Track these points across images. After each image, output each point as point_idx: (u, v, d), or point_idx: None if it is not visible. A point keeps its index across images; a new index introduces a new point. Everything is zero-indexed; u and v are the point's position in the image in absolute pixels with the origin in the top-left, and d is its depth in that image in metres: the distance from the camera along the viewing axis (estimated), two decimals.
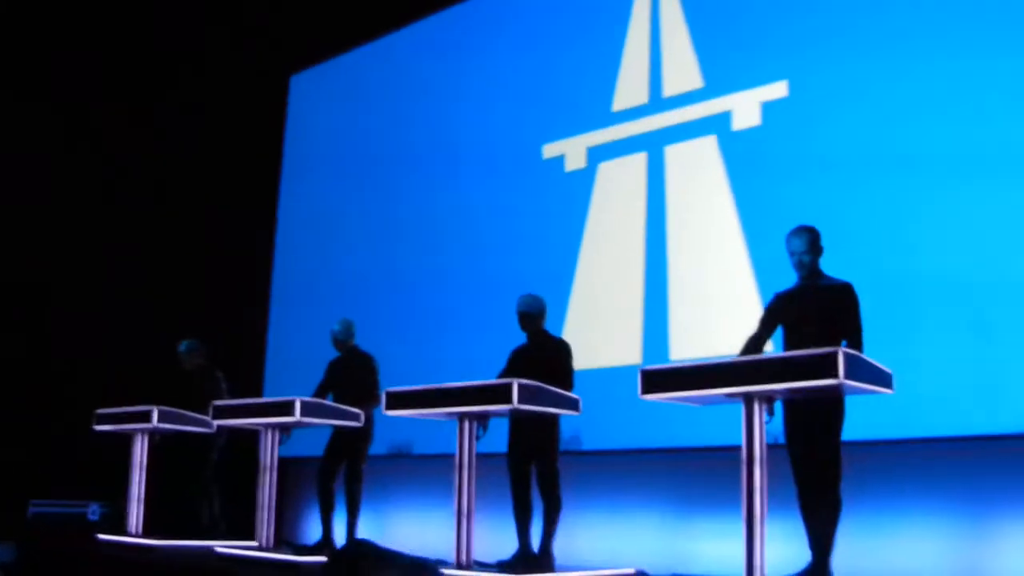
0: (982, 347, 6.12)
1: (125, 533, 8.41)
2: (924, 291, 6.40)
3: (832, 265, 5.70)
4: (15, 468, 9.82)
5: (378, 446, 8.05)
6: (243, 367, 10.62)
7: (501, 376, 6.88)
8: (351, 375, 8.01)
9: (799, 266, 5.67)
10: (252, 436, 7.82)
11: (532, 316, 6.99)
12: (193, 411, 8.28)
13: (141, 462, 8.60)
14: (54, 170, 11.08)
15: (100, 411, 8.68)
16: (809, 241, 5.64)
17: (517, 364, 6.92)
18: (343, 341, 8.18)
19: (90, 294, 11.05)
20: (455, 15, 10.09)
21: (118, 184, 11.53)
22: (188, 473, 8.71)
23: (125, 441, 8.74)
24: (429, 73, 10.19)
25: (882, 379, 4.73)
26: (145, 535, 8.29)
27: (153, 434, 8.60)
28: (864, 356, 4.69)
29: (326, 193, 11.02)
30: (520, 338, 7.09)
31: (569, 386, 6.57)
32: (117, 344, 10.80)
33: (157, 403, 8.23)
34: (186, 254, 11.48)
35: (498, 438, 6.78)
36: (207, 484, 8.70)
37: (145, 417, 8.20)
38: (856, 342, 5.40)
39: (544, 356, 6.85)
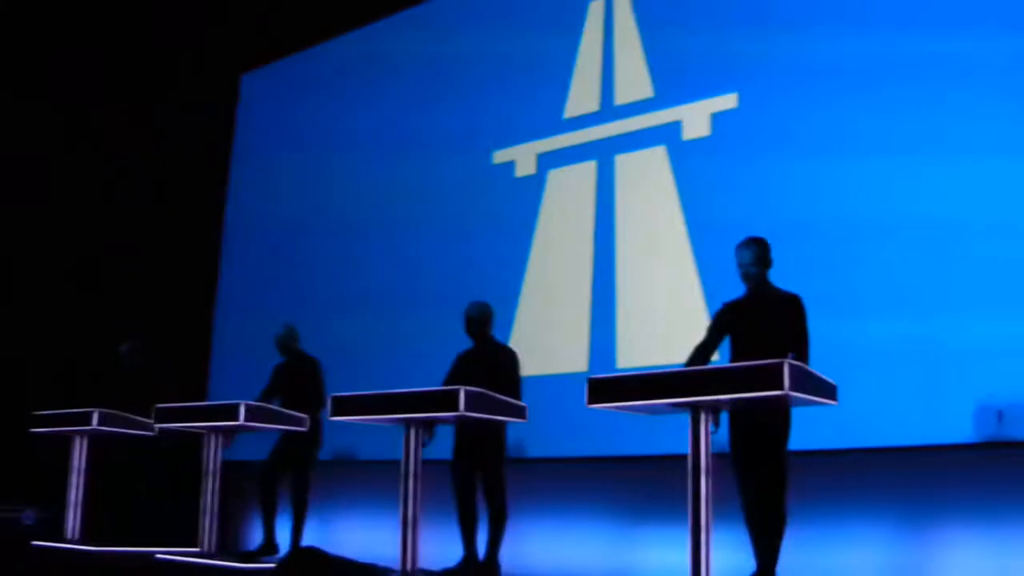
0: (922, 358, 6.19)
1: (63, 539, 8.28)
2: (867, 302, 6.47)
3: (779, 276, 5.73)
4: None
5: (324, 451, 8.00)
6: (187, 370, 10.52)
7: (446, 381, 6.87)
8: (296, 380, 7.96)
9: (746, 278, 5.69)
10: (198, 439, 7.74)
11: (479, 322, 6.98)
12: (136, 414, 8.16)
13: (80, 466, 8.48)
14: None
15: (37, 413, 8.55)
16: (757, 253, 5.66)
17: (463, 370, 6.90)
18: (286, 345, 8.13)
19: (29, 292, 10.91)
20: (408, 18, 10.06)
21: (69, 183, 11.39)
22: (130, 476, 8.61)
23: (65, 444, 8.61)
24: (380, 76, 10.15)
25: (827, 390, 4.76)
26: (84, 541, 8.17)
27: (93, 437, 8.48)
28: (809, 368, 4.72)
29: (274, 195, 10.93)
30: (465, 343, 7.07)
31: (517, 394, 6.56)
32: (58, 344, 10.66)
33: (99, 405, 8.12)
34: (130, 253, 11.35)
35: (445, 444, 6.76)
36: (150, 488, 8.60)
37: (84, 419, 8.08)
38: (803, 354, 5.43)
39: (491, 363, 6.84)
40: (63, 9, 11.13)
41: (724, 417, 5.46)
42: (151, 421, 7.67)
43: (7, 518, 9.65)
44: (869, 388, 6.17)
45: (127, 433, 8.20)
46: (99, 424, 8.02)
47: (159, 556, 7.23)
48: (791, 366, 4.41)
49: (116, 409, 8.19)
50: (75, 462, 8.50)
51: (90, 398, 8.39)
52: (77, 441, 8.52)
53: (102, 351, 9.53)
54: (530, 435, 7.45)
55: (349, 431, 7.50)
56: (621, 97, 8.14)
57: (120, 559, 7.44)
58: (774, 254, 5.73)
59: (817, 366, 4.92)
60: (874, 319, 6.40)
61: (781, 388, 4.38)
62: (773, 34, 7.34)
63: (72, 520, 8.38)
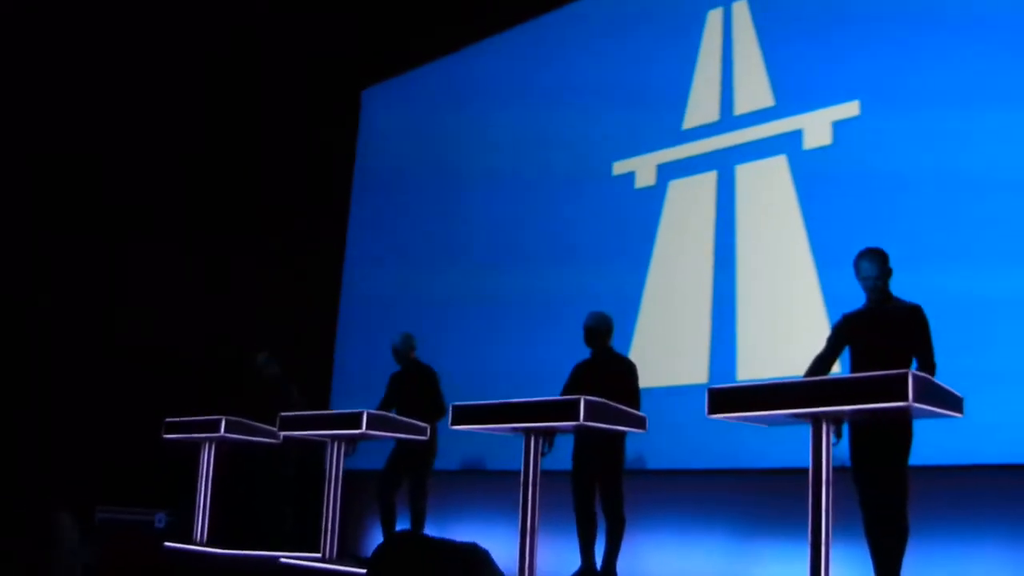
0: None
1: (191, 541, 8.49)
2: (994, 312, 6.32)
3: (902, 286, 5.64)
4: (84, 473, 9.99)
5: (442, 461, 8.08)
6: (311, 380, 10.70)
7: (564, 392, 6.89)
8: (412, 389, 8.07)
9: (872, 290, 5.59)
10: (323, 449, 7.87)
11: (599, 332, 6.99)
12: (267, 422, 8.31)
13: (207, 471, 8.69)
14: (129, 181, 11.28)
15: (169, 420, 8.79)
16: (880, 264, 5.58)
17: (581, 380, 6.91)
18: (404, 354, 8.24)
19: (164, 303, 11.21)
20: (525, 32, 10.12)
21: (192, 195, 11.70)
22: (260, 483, 8.80)
23: (196, 450, 8.83)
24: (499, 89, 10.23)
25: (952, 403, 4.66)
26: (211, 544, 8.37)
27: (221, 444, 8.67)
28: (934, 379, 4.63)
29: (395, 207, 11.09)
30: (585, 354, 7.09)
31: (636, 405, 6.54)
32: (189, 353, 10.94)
33: (232, 413, 8.31)
34: (256, 267, 11.61)
35: (563, 455, 6.78)
36: (279, 495, 8.78)
37: (213, 427, 8.28)
38: (928, 365, 5.33)
39: (609, 374, 6.84)
40: (187, 25, 11.45)
41: (845, 429, 5.39)
42: (276, 429, 7.82)
43: (141, 520, 9.93)
44: (997, 401, 6.02)
45: (252, 441, 8.37)
46: (226, 431, 8.21)
47: (283, 560, 7.36)
48: (915, 377, 4.34)
49: (252, 417, 8.36)
50: (203, 468, 8.71)
51: (227, 406, 8.57)
52: (205, 447, 8.72)
53: (231, 360, 9.77)
54: (649, 446, 7.44)
55: (467, 440, 7.57)
56: (741, 106, 8.09)
57: (246, 562, 7.60)
58: (899, 264, 5.65)
59: (942, 378, 4.82)
60: (1003, 329, 6.26)
61: (905, 399, 4.31)
62: (894, 40, 7.24)
63: (200, 524, 8.58)
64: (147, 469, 10.07)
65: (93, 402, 10.51)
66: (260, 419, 8.35)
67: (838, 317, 5.83)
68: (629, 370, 6.89)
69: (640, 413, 6.17)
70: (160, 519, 10.02)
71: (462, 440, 7.73)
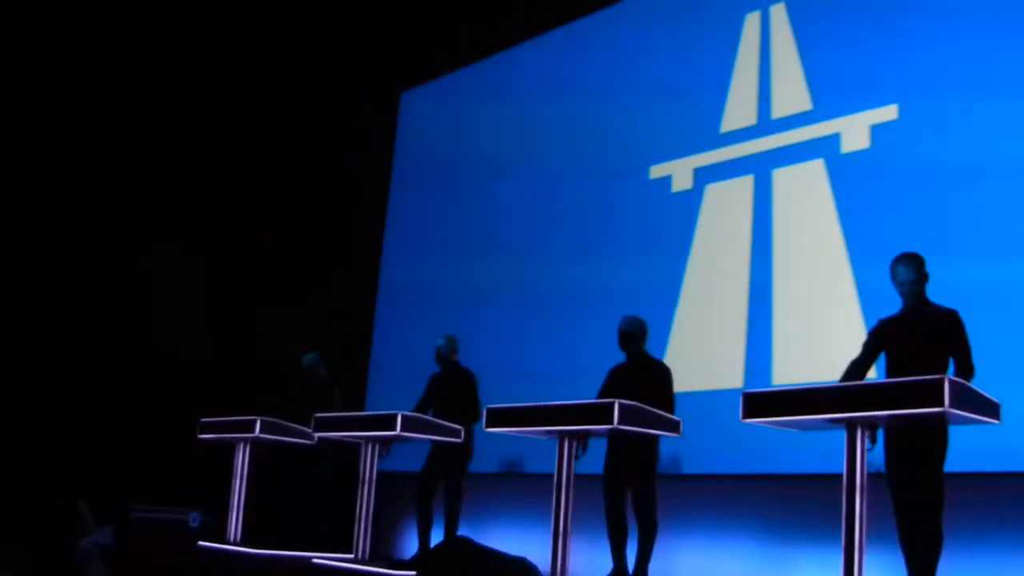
0: None
1: (225, 541, 8.52)
2: None
3: (940, 289, 5.59)
4: (119, 472, 10.05)
5: (477, 463, 8.08)
6: (347, 380, 10.73)
7: (599, 396, 6.87)
8: (451, 391, 8.06)
9: (909, 295, 5.56)
10: (359, 450, 7.88)
11: (634, 337, 6.98)
12: (307, 425, 8.28)
13: (242, 471, 8.71)
14: (165, 180, 11.35)
15: (204, 420, 8.82)
16: (916, 269, 5.54)
17: (616, 385, 6.90)
18: (446, 357, 8.24)
19: (204, 304, 11.26)
20: (563, 36, 10.13)
21: (231, 197, 11.75)
22: (297, 484, 8.82)
23: (232, 450, 8.86)
24: (537, 92, 10.24)
25: (989, 409, 4.61)
26: (244, 543, 8.39)
27: (256, 444, 8.69)
28: (970, 385, 4.59)
29: (433, 209, 11.12)
30: (620, 358, 7.08)
31: (670, 410, 6.52)
32: (229, 353, 11.00)
33: (274, 415, 8.31)
34: (294, 267, 11.65)
35: (596, 459, 6.76)
36: (316, 496, 8.79)
37: (248, 427, 8.30)
38: (966, 370, 5.29)
39: (644, 378, 6.82)
40: (224, 30, 11.52)
41: (880, 435, 5.35)
42: (311, 430, 7.82)
43: (175, 520, 9.97)
44: None
45: (287, 441, 8.37)
46: (261, 432, 8.21)
47: (316, 561, 7.38)
48: (951, 382, 4.30)
49: (293, 419, 8.35)
50: (237, 468, 8.73)
51: (268, 407, 8.57)
52: (240, 448, 8.75)
53: (271, 361, 9.80)
54: (684, 451, 7.41)
55: (501, 443, 7.56)
56: (778, 110, 8.06)
57: (278, 562, 7.62)
58: (936, 268, 5.60)
59: (979, 383, 4.78)
60: None
61: (941, 405, 4.28)
62: (933, 43, 7.20)
63: (234, 523, 8.61)
64: (182, 468, 10.11)
65: (123, 399, 10.57)
66: (301, 421, 8.33)
67: (874, 322, 5.80)
68: (664, 375, 6.87)
69: (674, 417, 6.15)
70: (194, 518, 10.05)
71: (497, 442, 7.73)
